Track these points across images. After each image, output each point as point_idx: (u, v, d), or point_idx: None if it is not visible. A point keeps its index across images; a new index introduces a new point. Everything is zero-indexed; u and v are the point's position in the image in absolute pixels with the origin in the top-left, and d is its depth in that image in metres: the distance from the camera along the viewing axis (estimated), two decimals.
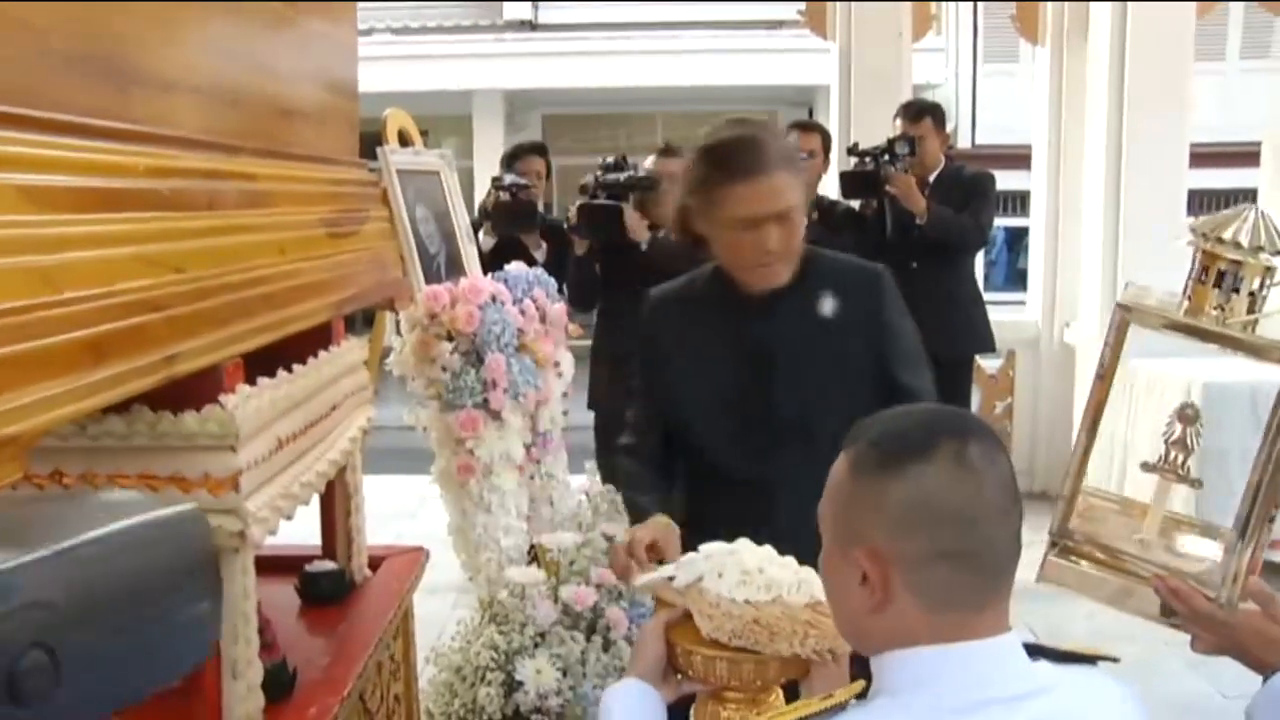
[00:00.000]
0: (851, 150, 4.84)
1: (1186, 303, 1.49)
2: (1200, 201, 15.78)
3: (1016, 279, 13.95)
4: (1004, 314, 5.16)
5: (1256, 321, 1.45)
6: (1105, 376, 1.54)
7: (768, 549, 1.65)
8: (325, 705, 1.74)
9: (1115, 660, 1.23)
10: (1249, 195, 5.87)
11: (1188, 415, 1.53)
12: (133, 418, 1.47)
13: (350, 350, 2.22)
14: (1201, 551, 1.66)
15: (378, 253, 2.47)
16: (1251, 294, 1.45)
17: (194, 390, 1.48)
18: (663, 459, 2.24)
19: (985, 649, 1.13)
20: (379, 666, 2.14)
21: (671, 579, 1.62)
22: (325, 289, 2.03)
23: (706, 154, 2.12)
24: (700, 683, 1.52)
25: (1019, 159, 6.35)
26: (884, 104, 5.52)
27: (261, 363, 1.71)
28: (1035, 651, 1.17)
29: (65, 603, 0.80)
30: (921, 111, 4.95)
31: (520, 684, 2.90)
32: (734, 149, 2.08)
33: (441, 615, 3.67)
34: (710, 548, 1.64)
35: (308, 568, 2.23)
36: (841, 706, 1.16)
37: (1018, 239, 15.08)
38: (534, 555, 3.27)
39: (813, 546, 2.16)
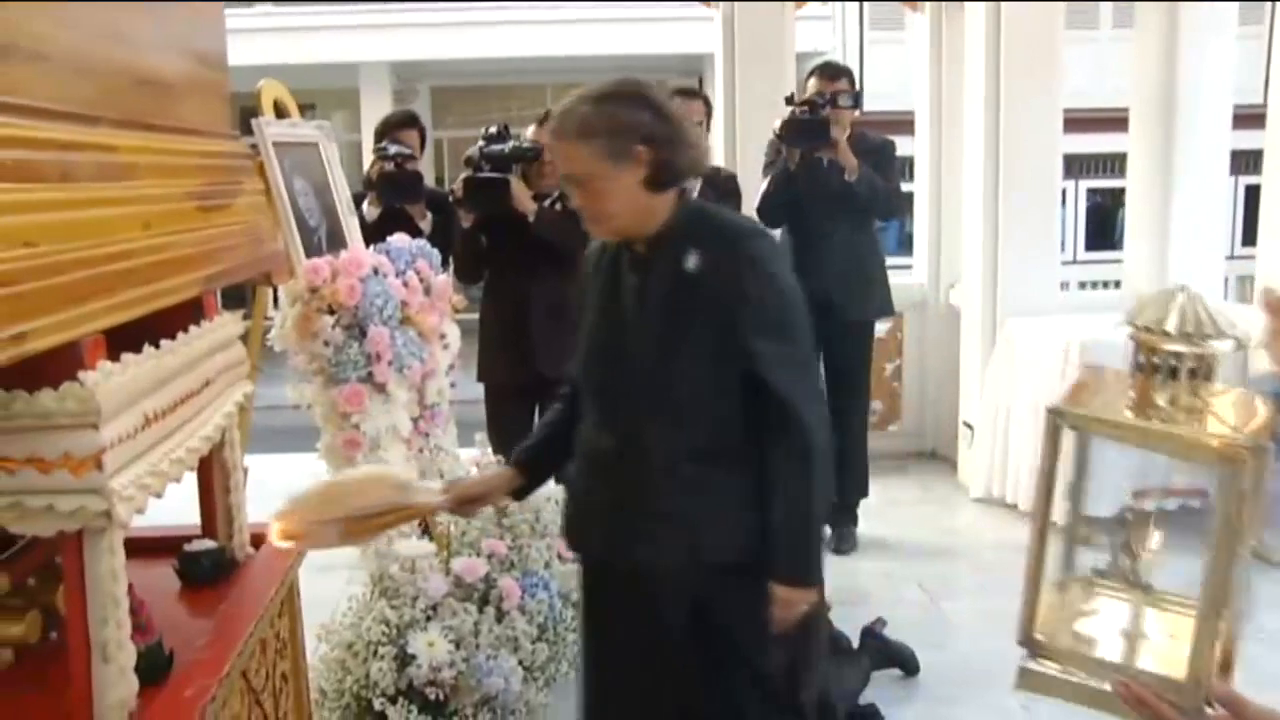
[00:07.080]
0: (789, 100, 4.73)
1: (1132, 395, 1.37)
2: (1080, 165, 16.22)
3: (906, 244, 14.15)
4: (893, 277, 5.26)
5: (1205, 409, 1.33)
6: (1045, 481, 1.39)
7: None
8: (203, 686, 1.71)
9: None
10: (1122, 159, 6.05)
11: (1134, 523, 1.43)
12: None
13: (224, 325, 2.17)
14: (1166, 632, 1.49)
15: (252, 226, 2.41)
16: (1193, 373, 1.33)
17: (51, 368, 1.43)
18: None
19: None
20: (263, 645, 2.11)
21: None
22: (194, 263, 1.97)
23: None
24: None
25: (903, 124, 6.44)
26: (767, 72, 5.56)
27: (130, 338, 1.66)
28: None
29: None
30: (839, 72, 4.87)
31: (413, 657, 2.89)
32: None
33: (334, 593, 3.62)
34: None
35: (187, 548, 2.19)
36: None
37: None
38: (425, 529, 3.26)
39: (651, 508, 2.22)
